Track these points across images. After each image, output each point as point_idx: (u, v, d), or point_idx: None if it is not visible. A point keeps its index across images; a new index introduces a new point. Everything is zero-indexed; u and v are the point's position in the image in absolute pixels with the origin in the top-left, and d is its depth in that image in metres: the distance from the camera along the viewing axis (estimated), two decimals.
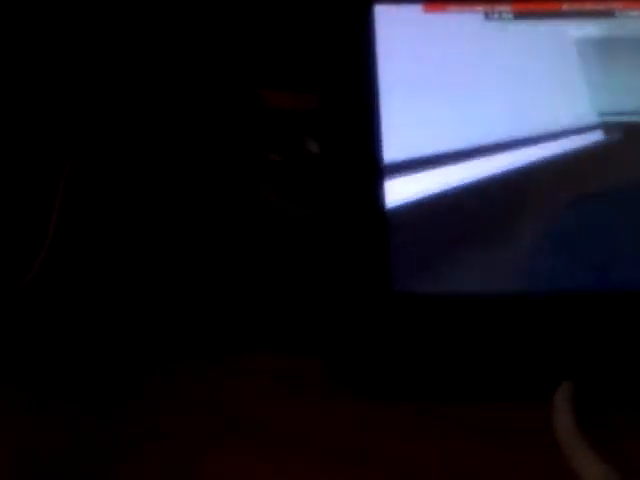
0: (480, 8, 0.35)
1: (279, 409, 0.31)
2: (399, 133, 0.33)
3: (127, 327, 0.33)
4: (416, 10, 0.35)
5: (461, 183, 0.32)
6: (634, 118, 0.33)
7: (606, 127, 0.33)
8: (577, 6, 0.35)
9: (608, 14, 0.35)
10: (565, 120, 0.33)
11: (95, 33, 0.35)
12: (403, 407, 0.30)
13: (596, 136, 0.33)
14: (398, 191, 0.32)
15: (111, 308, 0.33)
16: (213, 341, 0.33)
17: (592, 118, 0.33)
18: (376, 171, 0.32)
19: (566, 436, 0.28)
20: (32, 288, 0.33)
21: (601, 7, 0.35)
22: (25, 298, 0.33)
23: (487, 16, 0.35)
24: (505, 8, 0.35)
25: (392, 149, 0.32)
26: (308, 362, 0.31)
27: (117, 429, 0.30)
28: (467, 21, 0.35)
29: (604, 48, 0.34)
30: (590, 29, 0.35)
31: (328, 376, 0.31)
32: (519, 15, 0.35)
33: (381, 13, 0.35)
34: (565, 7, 0.35)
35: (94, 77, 0.36)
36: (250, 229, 0.35)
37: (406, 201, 0.32)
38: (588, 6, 0.35)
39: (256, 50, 0.35)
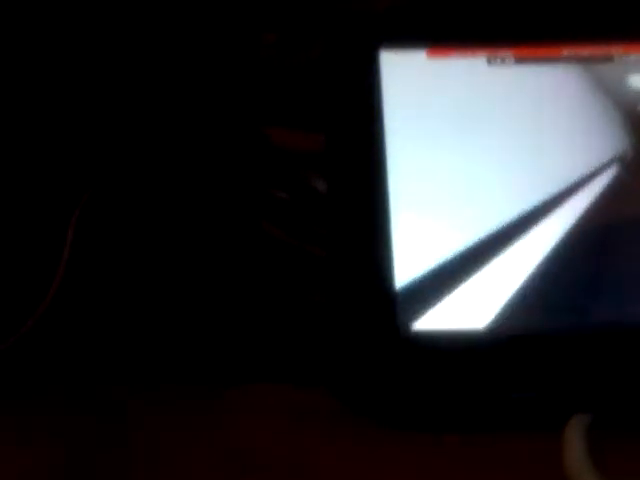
0: (482, 53, 0.36)
1: (281, 442, 0.30)
2: (405, 175, 0.33)
3: (127, 358, 0.33)
4: (420, 56, 0.36)
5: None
6: None
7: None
8: (576, 51, 0.36)
9: (607, 59, 0.36)
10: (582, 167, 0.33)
11: (109, 72, 0.36)
12: (410, 439, 0.29)
13: (612, 172, 0.33)
14: (406, 228, 0.32)
15: (113, 339, 0.33)
16: (215, 373, 0.32)
17: (605, 156, 0.33)
18: (382, 210, 0.32)
19: (576, 471, 0.27)
20: (44, 319, 0.33)
21: (600, 52, 0.36)
22: (33, 334, 0.33)
23: (490, 61, 0.36)
24: (507, 53, 0.36)
25: (398, 188, 0.33)
26: (311, 395, 0.31)
27: (116, 461, 0.29)
28: (470, 66, 0.36)
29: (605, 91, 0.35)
30: (590, 73, 0.36)
31: (332, 408, 0.30)
32: (520, 60, 0.36)
33: (386, 58, 0.36)
34: (565, 52, 0.36)
35: (110, 113, 0.37)
36: (255, 264, 0.35)
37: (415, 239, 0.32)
38: (587, 51, 0.36)
39: (262, 89, 0.36)
